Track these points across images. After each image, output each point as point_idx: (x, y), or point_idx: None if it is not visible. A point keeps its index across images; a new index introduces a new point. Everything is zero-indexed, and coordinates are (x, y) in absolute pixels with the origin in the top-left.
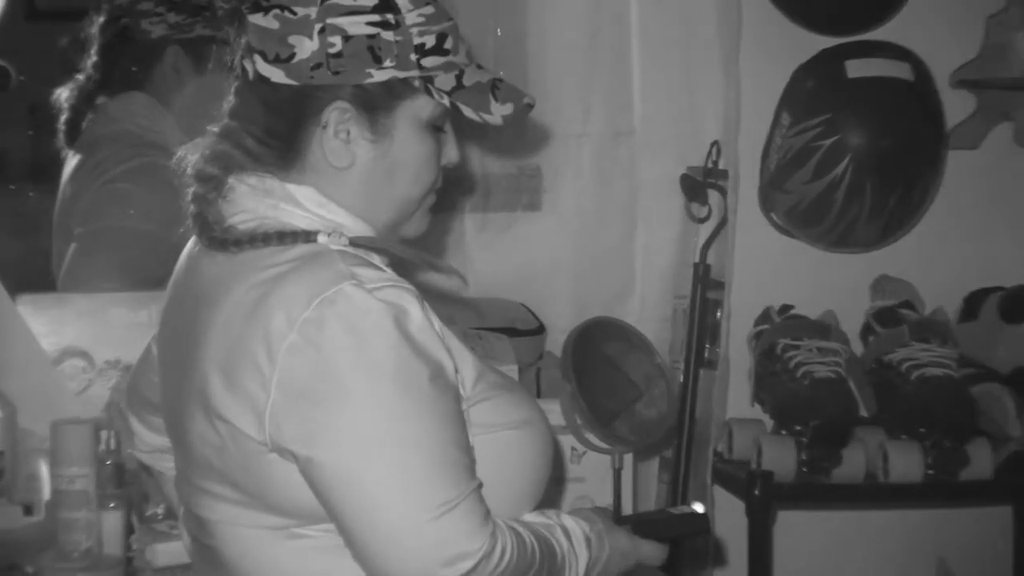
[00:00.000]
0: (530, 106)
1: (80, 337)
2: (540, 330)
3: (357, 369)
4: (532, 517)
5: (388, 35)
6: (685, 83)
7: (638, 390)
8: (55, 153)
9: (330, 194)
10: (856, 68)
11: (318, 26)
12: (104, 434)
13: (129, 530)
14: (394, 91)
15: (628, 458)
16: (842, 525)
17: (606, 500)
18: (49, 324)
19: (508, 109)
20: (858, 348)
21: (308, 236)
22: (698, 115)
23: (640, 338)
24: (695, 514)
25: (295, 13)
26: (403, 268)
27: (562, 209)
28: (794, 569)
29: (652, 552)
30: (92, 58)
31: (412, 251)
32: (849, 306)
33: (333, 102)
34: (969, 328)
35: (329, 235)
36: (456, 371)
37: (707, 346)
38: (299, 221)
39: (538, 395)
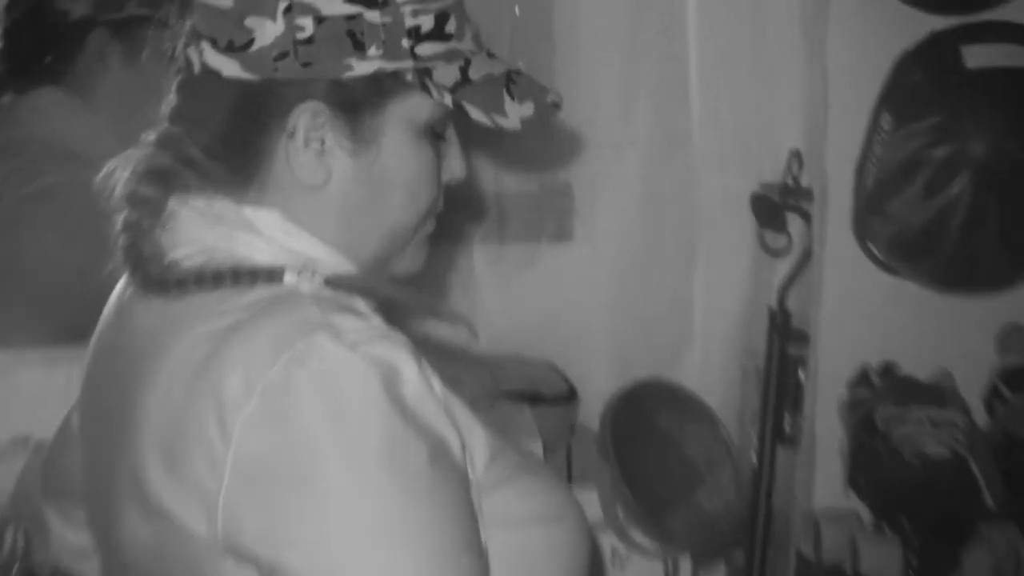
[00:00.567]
0: (556, 105)
1: None
2: (571, 396)
3: (335, 447)
4: None
5: (373, 15)
6: (756, 76)
7: (697, 474)
8: None
9: (300, 219)
10: (977, 56)
11: (283, 4)
12: (9, 534)
13: None
14: (381, 87)
15: (685, 562)
16: None
17: None
18: None
19: (528, 110)
20: (981, 419)
21: (271, 274)
22: (773, 117)
23: (700, 406)
24: None
25: None
26: (394, 315)
27: (599, 238)
28: None
29: None
30: None
31: (406, 293)
32: (970, 364)
33: (303, 102)
34: None
35: (298, 273)
36: (463, 449)
37: (787, 416)
38: (259, 255)
39: (569, 480)
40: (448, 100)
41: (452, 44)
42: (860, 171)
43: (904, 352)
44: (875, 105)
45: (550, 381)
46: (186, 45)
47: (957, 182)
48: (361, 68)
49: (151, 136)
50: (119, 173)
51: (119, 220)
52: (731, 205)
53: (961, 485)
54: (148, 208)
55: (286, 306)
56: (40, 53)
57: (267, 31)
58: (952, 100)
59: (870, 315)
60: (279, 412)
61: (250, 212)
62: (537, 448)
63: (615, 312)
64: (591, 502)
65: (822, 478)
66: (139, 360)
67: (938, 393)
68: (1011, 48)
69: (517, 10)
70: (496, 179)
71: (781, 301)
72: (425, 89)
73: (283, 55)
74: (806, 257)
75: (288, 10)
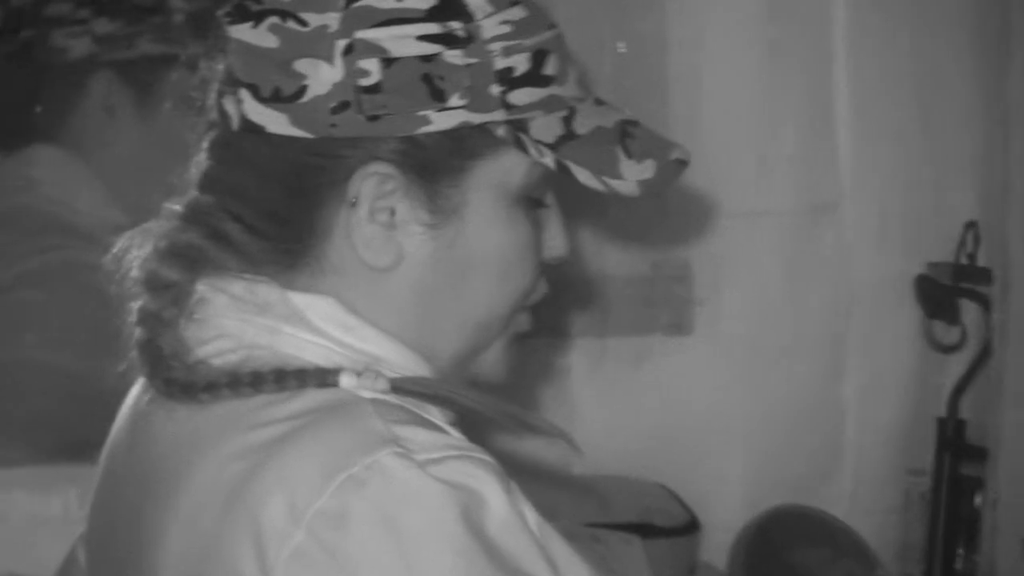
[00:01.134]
0: (683, 163)
1: None
2: (692, 527)
3: None
4: None
5: (455, 55)
6: (921, 127)
7: None
8: None
9: (361, 310)
10: None
11: (342, 43)
12: None
13: None
14: (465, 145)
15: None
16: None
17: None
18: None
19: (648, 170)
20: None
21: (324, 376)
22: (942, 180)
23: (851, 540)
24: None
25: (305, 24)
26: (477, 429)
27: (726, 332)
28: None
29: None
30: None
31: (491, 401)
32: None
33: (367, 164)
34: None
35: (358, 375)
36: None
37: (960, 552)
38: (310, 353)
39: None
40: (550, 160)
41: (553, 89)
42: None
43: None
44: None
45: (665, 509)
46: (220, 93)
47: None
48: (440, 122)
49: (176, 206)
50: (134, 251)
51: (134, 309)
52: (890, 289)
53: None
54: (171, 295)
55: (342, 416)
56: (30, 101)
57: (323, 77)
58: None
59: None
60: (331, 548)
61: (300, 300)
62: None
63: (745, 423)
64: None
65: None
66: (159, 482)
67: None
68: None
69: (621, 47)
70: (598, 257)
71: (952, 409)
72: (520, 146)
73: (343, 106)
74: (984, 354)
75: (349, 50)
